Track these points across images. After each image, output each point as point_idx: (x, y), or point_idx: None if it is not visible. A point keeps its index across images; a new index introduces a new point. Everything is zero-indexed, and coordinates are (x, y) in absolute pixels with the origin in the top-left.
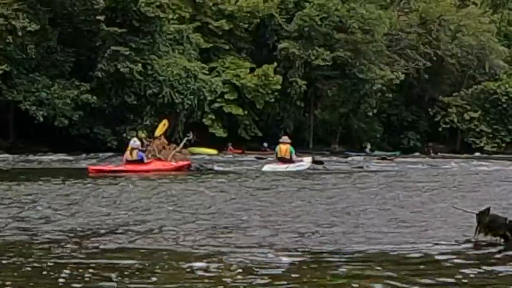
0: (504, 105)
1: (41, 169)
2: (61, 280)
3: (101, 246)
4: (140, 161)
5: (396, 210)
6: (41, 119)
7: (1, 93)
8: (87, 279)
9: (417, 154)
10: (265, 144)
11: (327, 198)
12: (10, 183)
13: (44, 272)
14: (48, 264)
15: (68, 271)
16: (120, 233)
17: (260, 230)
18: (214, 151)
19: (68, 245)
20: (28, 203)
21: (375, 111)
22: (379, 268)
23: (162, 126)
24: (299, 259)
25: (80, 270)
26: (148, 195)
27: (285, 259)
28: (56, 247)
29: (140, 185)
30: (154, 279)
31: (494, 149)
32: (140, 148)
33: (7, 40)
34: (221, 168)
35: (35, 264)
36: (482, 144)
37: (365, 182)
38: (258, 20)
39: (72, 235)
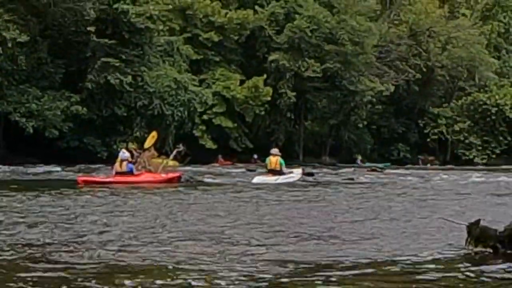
0: (494, 117)
1: (30, 181)
2: None
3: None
4: (129, 172)
5: (386, 221)
6: (31, 131)
7: None
8: None
9: (408, 166)
10: (255, 156)
11: (317, 209)
12: None
13: None
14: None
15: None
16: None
17: (247, 242)
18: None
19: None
20: (12, 214)
21: (365, 122)
22: (367, 279)
23: (151, 138)
24: (286, 272)
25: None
26: (136, 207)
27: (272, 272)
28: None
29: (127, 197)
30: None
31: (484, 161)
32: (130, 159)
33: None
34: (211, 180)
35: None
36: (472, 156)
37: (355, 193)
38: (248, 32)
39: (36, 246)
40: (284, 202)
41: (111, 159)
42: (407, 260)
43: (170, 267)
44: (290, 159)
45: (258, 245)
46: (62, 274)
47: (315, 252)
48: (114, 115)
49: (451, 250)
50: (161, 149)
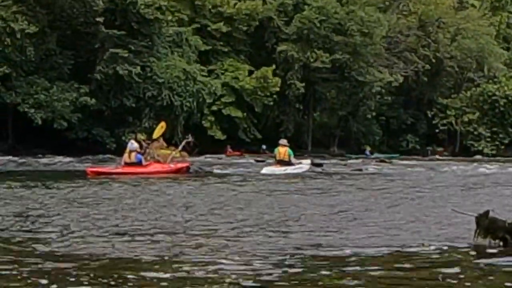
0: (503, 108)
1: (38, 171)
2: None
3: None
4: (138, 163)
5: (395, 212)
6: (40, 122)
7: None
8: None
9: (417, 157)
10: (264, 147)
11: (325, 200)
12: (6, 185)
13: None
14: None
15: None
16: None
17: (255, 233)
18: (184, 154)
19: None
20: (19, 205)
21: (374, 113)
22: (376, 270)
23: (160, 129)
24: (295, 263)
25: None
26: (142, 197)
27: (281, 264)
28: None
29: (135, 188)
30: None
31: (493, 152)
32: (138, 150)
33: (6, 43)
34: (219, 171)
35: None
36: (480, 147)
37: (363, 184)
38: (257, 23)
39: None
40: (293, 193)
41: (119, 150)
42: (416, 251)
43: (174, 259)
44: (298, 150)
45: (268, 236)
46: (67, 266)
47: (324, 243)
48: (122, 106)
49: (460, 242)
50: (170, 139)
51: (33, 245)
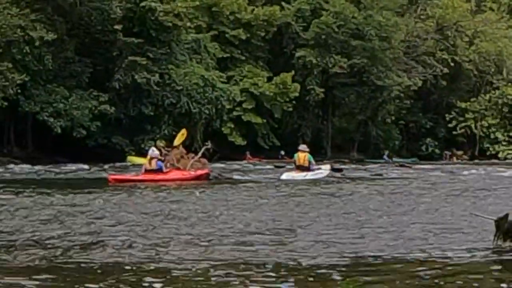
0: None
1: (59, 179)
2: None
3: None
4: (159, 170)
5: (415, 216)
6: (59, 130)
7: (19, 104)
8: None
9: (435, 161)
10: (282, 152)
11: (345, 206)
12: (27, 193)
13: None
14: None
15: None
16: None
17: (279, 239)
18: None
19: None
20: (40, 213)
21: (393, 118)
22: (397, 275)
23: (181, 136)
24: (315, 267)
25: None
26: (161, 205)
27: (303, 268)
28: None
29: (157, 194)
30: None
31: (510, 156)
32: (159, 157)
33: (25, 51)
34: (239, 177)
35: None
36: (498, 151)
37: (384, 189)
38: (275, 29)
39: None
40: (313, 198)
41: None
42: (437, 255)
43: (190, 267)
44: (318, 155)
45: (294, 241)
46: (88, 274)
47: (343, 248)
48: (141, 113)
49: (480, 245)
50: (189, 146)
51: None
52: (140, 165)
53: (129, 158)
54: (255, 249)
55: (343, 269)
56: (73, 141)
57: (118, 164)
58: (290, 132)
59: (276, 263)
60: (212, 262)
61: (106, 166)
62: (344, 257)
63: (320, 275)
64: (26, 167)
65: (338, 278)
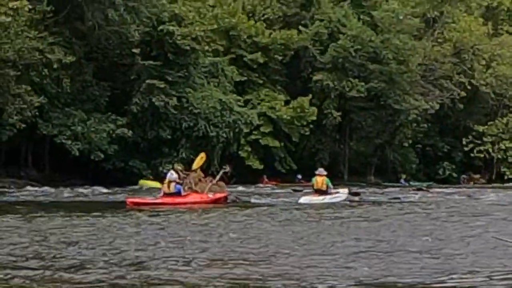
0: None
1: (77, 202)
2: None
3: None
4: (177, 193)
5: (437, 241)
6: (77, 153)
7: (37, 127)
8: None
9: (456, 185)
10: (299, 176)
11: (365, 229)
12: (45, 216)
13: None
14: None
15: None
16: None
17: (298, 263)
18: (160, 185)
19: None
20: (65, 236)
21: (410, 141)
22: None
23: (200, 159)
24: None
25: None
26: (181, 227)
27: None
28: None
29: (175, 218)
30: None
31: None
32: (178, 180)
33: (43, 73)
34: (257, 200)
35: None
36: None
37: (402, 213)
38: (292, 52)
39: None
40: (333, 221)
41: (157, 181)
42: (457, 280)
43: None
44: (335, 179)
45: (313, 265)
46: None
47: (364, 271)
48: (159, 137)
49: (504, 270)
50: (206, 170)
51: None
52: (153, 188)
53: (141, 181)
54: (275, 273)
55: None
56: (90, 164)
57: (134, 187)
58: (307, 156)
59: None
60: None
61: (118, 189)
62: (361, 280)
63: None
64: (43, 189)
65: None
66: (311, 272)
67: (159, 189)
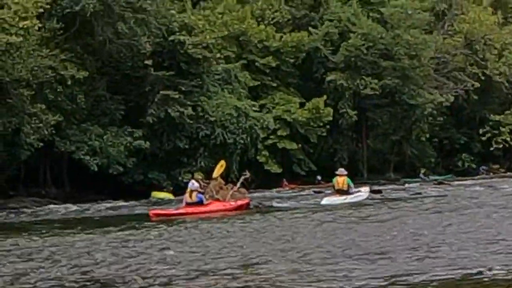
0: None
1: (99, 218)
2: None
3: None
4: (199, 203)
5: (460, 234)
6: (96, 168)
7: (54, 144)
8: None
9: (476, 176)
10: (319, 177)
11: (391, 227)
12: (67, 233)
13: None
14: None
15: None
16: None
17: (333, 263)
18: (172, 196)
19: None
20: (92, 252)
21: (427, 135)
22: None
23: (220, 167)
24: None
25: None
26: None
27: None
28: None
29: (198, 228)
30: None
31: None
32: (199, 190)
33: (58, 90)
34: (279, 204)
35: None
36: None
37: (425, 208)
38: (304, 54)
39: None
40: (359, 221)
41: (177, 191)
42: (483, 276)
43: None
44: (354, 178)
45: (343, 268)
46: None
47: (387, 270)
48: (176, 147)
49: None
50: (226, 177)
51: None
52: (163, 200)
53: (154, 193)
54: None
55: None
56: (109, 178)
57: (155, 199)
58: (326, 157)
59: None
60: None
61: (139, 201)
62: (383, 278)
63: None
64: (64, 206)
65: None
66: (347, 275)
67: (173, 200)
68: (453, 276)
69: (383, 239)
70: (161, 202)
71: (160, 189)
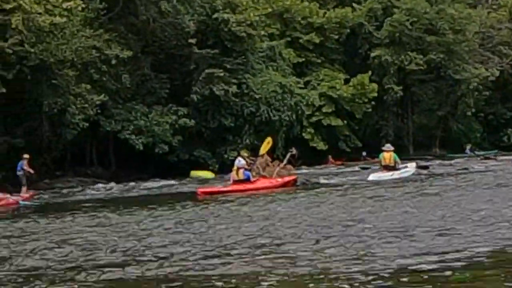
0: None
1: (147, 196)
2: None
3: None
4: (246, 180)
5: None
6: (141, 147)
7: (100, 124)
8: None
9: None
10: (364, 153)
11: (442, 202)
12: (118, 212)
13: None
14: None
15: None
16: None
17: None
18: (212, 174)
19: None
20: (145, 230)
21: (473, 110)
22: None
23: (266, 144)
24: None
25: None
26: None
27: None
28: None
29: (249, 205)
30: None
31: None
32: (246, 167)
33: (102, 69)
34: (326, 181)
35: None
36: None
37: (474, 183)
38: (348, 30)
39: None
40: (407, 197)
41: (223, 169)
42: None
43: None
44: (400, 154)
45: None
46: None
47: (448, 244)
48: (221, 125)
49: None
50: (272, 154)
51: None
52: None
53: (192, 172)
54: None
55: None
56: (155, 157)
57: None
58: (371, 133)
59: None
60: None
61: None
62: (440, 255)
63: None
64: (110, 186)
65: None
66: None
67: (213, 178)
68: None
69: (437, 215)
70: (208, 180)
71: (205, 167)
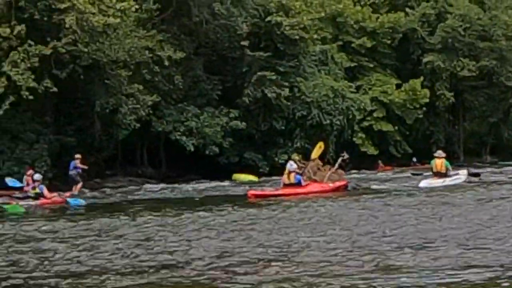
0: None
1: (198, 197)
2: None
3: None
4: (298, 184)
5: None
6: (192, 149)
7: (151, 125)
8: None
9: None
10: (414, 159)
11: (495, 210)
12: (163, 212)
13: None
14: None
15: None
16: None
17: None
18: (255, 178)
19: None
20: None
21: None
22: None
23: (318, 149)
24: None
25: None
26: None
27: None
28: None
29: (298, 209)
30: None
31: None
32: (297, 171)
33: (155, 70)
34: (377, 186)
35: None
36: None
37: None
38: (401, 35)
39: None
40: (462, 204)
41: (273, 173)
42: None
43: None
44: (450, 160)
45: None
46: None
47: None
48: (272, 128)
49: None
50: (323, 158)
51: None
52: (246, 183)
53: (235, 176)
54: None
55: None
56: (205, 159)
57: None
58: (421, 139)
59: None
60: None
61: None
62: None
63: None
64: (161, 186)
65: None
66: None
67: (256, 181)
68: None
69: (490, 224)
70: (259, 183)
71: (254, 170)
